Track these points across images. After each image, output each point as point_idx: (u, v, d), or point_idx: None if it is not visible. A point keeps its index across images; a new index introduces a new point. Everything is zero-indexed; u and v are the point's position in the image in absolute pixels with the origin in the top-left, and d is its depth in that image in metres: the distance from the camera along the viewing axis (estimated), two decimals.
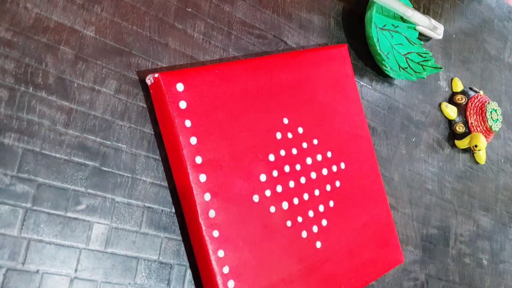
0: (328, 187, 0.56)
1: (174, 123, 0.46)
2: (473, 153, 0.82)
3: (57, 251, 0.41)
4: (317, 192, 0.55)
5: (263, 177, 0.50)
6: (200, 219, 0.45)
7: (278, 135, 0.53)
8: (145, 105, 0.47)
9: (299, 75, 0.56)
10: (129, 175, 0.45)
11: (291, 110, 0.55)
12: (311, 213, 0.54)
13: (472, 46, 0.87)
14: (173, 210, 0.47)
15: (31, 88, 0.41)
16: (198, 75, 0.48)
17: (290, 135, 0.54)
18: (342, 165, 0.59)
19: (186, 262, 0.47)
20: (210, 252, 0.45)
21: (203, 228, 0.45)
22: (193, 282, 0.47)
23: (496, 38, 0.93)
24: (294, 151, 0.54)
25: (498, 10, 0.95)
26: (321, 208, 0.55)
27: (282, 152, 0.53)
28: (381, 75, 0.70)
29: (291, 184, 0.53)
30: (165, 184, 0.47)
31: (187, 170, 0.45)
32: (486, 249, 0.82)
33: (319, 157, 0.56)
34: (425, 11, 0.79)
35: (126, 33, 0.47)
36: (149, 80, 0.46)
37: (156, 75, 0.45)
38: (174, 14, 0.51)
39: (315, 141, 0.56)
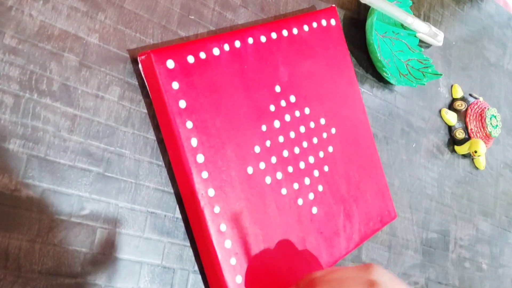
0: (321, 154, 0.57)
1: (166, 104, 0.45)
2: (472, 159, 0.82)
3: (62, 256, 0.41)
4: (311, 159, 0.56)
5: (257, 149, 0.51)
6: (198, 197, 0.46)
7: (272, 108, 0.53)
8: (148, 112, 0.48)
9: (289, 42, 0.56)
10: (133, 181, 0.46)
11: (283, 78, 0.55)
12: (307, 181, 0.55)
13: (472, 53, 0.88)
14: (176, 215, 0.48)
15: (35, 95, 0.42)
16: (188, 51, 0.47)
17: (283, 103, 0.54)
18: (333, 130, 0.59)
19: (189, 267, 0.48)
20: (210, 228, 0.46)
21: (202, 204, 0.46)
22: (196, 286, 0.48)
23: (496, 45, 0.94)
24: (288, 117, 0.54)
25: (498, 18, 0.96)
26: (316, 173, 0.56)
27: (276, 123, 0.53)
28: (382, 82, 0.70)
29: (285, 153, 0.53)
30: (168, 189, 0.48)
31: (184, 149, 0.45)
32: (486, 253, 0.82)
33: (312, 125, 0.57)
34: (426, 19, 0.80)
35: (129, 40, 0.48)
36: (140, 59, 0.46)
37: (146, 55, 0.45)
38: (177, 22, 0.51)
39: (307, 110, 0.57)
